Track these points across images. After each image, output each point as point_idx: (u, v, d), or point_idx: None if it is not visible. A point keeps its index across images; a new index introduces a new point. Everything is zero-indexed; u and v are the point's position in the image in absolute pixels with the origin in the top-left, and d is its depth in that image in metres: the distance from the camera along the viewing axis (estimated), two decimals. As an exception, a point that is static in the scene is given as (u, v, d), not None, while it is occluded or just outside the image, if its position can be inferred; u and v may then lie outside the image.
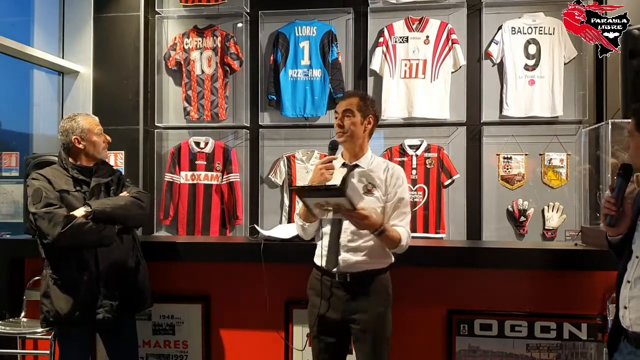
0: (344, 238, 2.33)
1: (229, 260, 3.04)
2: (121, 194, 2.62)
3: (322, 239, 2.37)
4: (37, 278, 3.16)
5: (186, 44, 4.79)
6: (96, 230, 2.43)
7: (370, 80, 4.60)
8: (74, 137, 2.55)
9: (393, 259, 2.42)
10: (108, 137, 2.67)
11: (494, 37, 4.44)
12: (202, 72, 4.76)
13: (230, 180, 4.69)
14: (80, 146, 2.56)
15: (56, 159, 2.98)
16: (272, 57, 4.69)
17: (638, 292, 1.88)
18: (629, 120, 1.97)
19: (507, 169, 4.45)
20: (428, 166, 4.45)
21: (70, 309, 2.45)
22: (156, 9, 4.76)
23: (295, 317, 2.98)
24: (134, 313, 2.74)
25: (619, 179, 1.97)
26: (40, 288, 2.56)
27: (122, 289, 2.56)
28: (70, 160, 2.58)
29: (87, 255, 2.48)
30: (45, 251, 2.49)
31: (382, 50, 4.52)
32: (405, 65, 4.51)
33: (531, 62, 4.40)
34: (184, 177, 4.74)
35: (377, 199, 2.34)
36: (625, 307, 1.92)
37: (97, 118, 2.67)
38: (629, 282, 1.92)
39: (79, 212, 2.43)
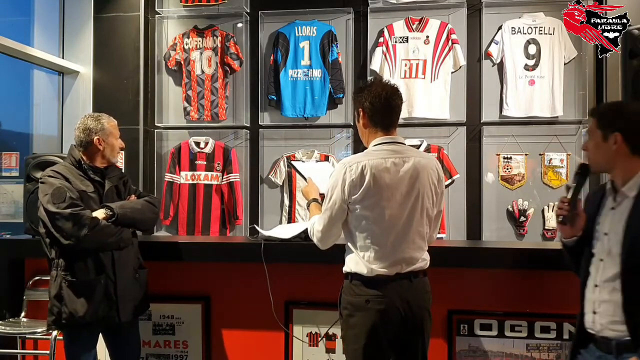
0: None
1: (229, 260, 3.03)
2: (131, 198, 2.63)
3: None
4: (37, 278, 3.16)
5: (186, 44, 4.79)
6: (116, 233, 2.45)
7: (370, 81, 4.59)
8: (96, 137, 2.51)
9: (352, 267, 2.17)
10: (122, 143, 2.66)
11: (494, 37, 4.44)
12: (202, 72, 4.75)
13: (230, 180, 4.68)
14: (100, 147, 2.53)
15: (56, 159, 2.98)
16: (272, 57, 4.68)
17: (608, 296, 1.85)
18: None
19: (507, 169, 4.45)
20: (428, 166, 4.44)
21: (86, 311, 2.41)
22: (156, 9, 4.75)
23: (295, 317, 2.97)
24: (139, 315, 2.73)
25: (576, 178, 1.98)
26: (48, 289, 2.48)
27: (134, 291, 2.57)
28: (86, 160, 2.54)
29: (104, 257, 2.46)
30: (60, 252, 2.42)
31: (382, 50, 4.51)
32: (405, 65, 4.51)
33: (531, 62, 4.40)
34: (184, 177, 4.74)
35: None
36: (595, 312, 1.88)
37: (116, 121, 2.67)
38: (596, 285, 1.89)
39: (99, 214, 2.43)
